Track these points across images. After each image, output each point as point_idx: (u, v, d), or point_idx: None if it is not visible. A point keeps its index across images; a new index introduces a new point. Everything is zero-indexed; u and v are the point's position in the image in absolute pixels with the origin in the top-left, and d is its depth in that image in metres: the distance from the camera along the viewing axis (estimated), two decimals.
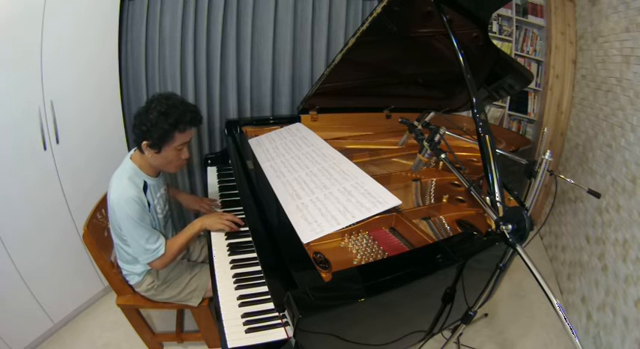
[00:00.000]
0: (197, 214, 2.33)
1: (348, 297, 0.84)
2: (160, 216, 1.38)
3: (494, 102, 2.81)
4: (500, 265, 0.99)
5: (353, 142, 1.89)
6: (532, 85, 2.78)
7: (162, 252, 1.27)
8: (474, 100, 1.07)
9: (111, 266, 1.40)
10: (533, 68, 2.80)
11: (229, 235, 1.37)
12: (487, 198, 0.93)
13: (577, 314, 1.88)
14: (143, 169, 1.30)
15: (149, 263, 1.29)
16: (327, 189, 1.22)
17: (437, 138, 1.14)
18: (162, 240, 1.28)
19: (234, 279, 1.17)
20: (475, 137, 1.04)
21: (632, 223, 1.55)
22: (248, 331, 0.98)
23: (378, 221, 1.17)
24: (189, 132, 1.24)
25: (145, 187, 1.29)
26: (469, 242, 1.07)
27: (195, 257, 1.61)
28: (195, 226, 1.35)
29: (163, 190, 1.42)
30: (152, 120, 1.15)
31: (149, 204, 1.28)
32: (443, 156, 1.09)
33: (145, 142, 1.19)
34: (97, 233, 1.41)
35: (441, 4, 1.20)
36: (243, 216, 1.46)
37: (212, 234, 1.37)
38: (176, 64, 1.96)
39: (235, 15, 1.99)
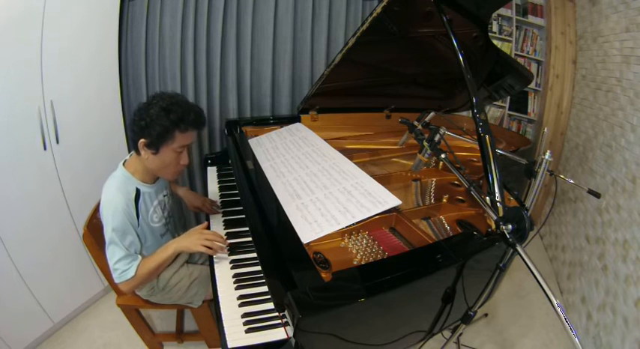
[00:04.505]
0: (197, 215, 2.35)
1: (348, 297, 0.84)
2: (157, 225, 1.32)
3: (494, 102, 2.81)
4: (500, 265, 0.99)
5: (353, 142, 1.89)
6: (532, 85, 2.78)
7: (131, 274, 1.17)
8: (474, 100, 1.07)
9: None
10: (533, 68, 2.80)
11: (229, 236, 1.37)
12: (487, 198, 0.93)
13: (577, 314, 1.88)
14: (137, 175, 1.23)
15: (117, 284, 1.21)
16: (327, 189, 1.22)
17: (437, 138, 1.14)
18: (135, 263, 1.18)
19: (234, 279, 1.17)
20: (475, 137, 1.04)
21: (632, 223, 1.55)
22: (248, 331, 0.98)
23: (378, 221, 1.17)
24: (191, 134, 1.17)
25: (138, 196, 1.22)
26: (469, 242, 1.07)
27: (195, 258, 1.61)
28: (168, 249, 1.20)
29: (162, 196, 1.36)
30: (152, 116, 1.08)
31: (138, 216, 1.21)
32: (443, 156, 1.09)
33: (142, 140, 1.11)
34: (97, 233, 1.40)
35: (440, 4, 1.20)
36: (243, 216, 1.46)
37: None
38: (176, 64, 1.96)
39: (235, 15, 1.99)
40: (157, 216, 1.33)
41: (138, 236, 1.22)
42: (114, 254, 1.17)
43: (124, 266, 1.18)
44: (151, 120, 1.09)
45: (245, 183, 1.41)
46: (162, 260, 1.22)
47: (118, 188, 1.18)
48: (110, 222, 1.14)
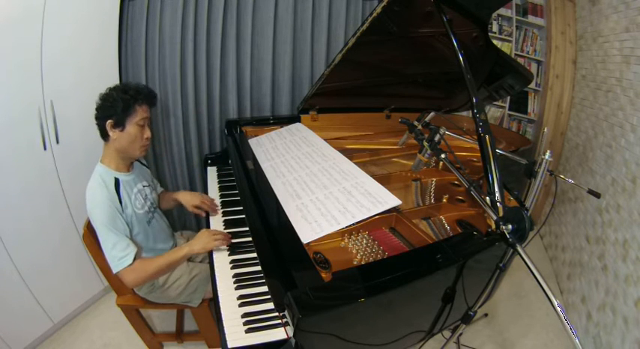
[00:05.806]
0: (197, 216, 2.34)
1: (348, 297, 0.84)
2: (141, 211, 1.35)
3: (494, 102, 2.81)
4: (500, 265, 0.99)
5: (353, 142, 1.89)
6: (532, 85, 2.78)
7: (128, 262, 1.19)
8: (474, 100, 1.07)
9: None
10: (533, 68, 2.80)
11: None
12: (487, 198, 0.93)
13: (577, 314, 1.88)
14: (112, 166, 1.30)
15: (118, 274, 1.21)
16: (327, 189, 1.22)
17: (437, 138, 1.14)
18: (131, 249, 1.21)
19: (234, 279, 1.17)
20: (475, 137, 1.04)
21: (632, 223, 1.55)
22: (248, 331, 0.98)
23: (378, 221, 1.17)
24: (147, 108, 1.30)
25: (117, 185, 1.28)
26: (469, 242, 1.07)
27: (194, 256, 1.61)
28: (182, 251, 1.27)
29: (142, 186, 1.40)
30: (113, 96, 1.23)
31: (121, 202, 1.26)
32: (443, 156, 1.09)
33: (109, 121, 1.22)
34: None
35: (440, 4, 1.20)
36: (243, 216, 1.46)
37: None
38: (176, 64, 1.96)
39: (235, 15, 1.99)
40: (140, 203, 1.36)
41: (125, 222, 1.27)
42: (107, 241, 1.20)
43: (120, 253, 1.20)
44: (113, 99, 1.23)
45: (245, 183, 1.41)
46: (174, 260, 1.27)
47: (98, 183, 1.24)
48: (97, 214, 1.20)
